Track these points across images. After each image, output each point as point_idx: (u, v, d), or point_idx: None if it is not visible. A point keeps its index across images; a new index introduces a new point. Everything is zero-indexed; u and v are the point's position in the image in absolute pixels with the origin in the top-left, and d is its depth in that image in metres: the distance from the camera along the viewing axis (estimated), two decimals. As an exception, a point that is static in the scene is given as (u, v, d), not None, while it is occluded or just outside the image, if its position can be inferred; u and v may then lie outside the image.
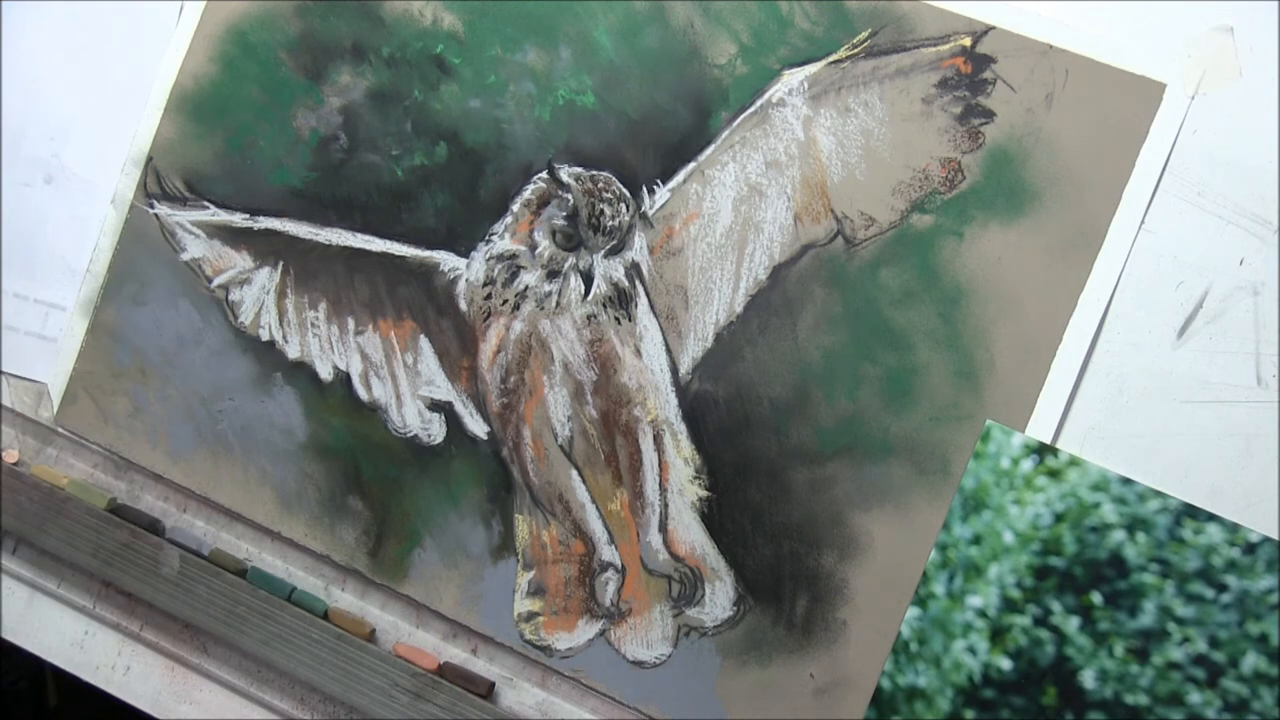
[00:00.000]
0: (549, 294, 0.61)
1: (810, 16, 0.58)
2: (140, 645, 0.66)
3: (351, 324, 0.64)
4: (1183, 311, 0.53)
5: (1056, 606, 0.53)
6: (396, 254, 0.63)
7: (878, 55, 0.57)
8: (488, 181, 0.62)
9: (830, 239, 0.57)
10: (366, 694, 0.61)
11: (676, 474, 0.59)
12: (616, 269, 0.60)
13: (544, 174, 0.61)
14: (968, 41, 0.56)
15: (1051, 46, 0.54)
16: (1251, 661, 0.50)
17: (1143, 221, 0.53)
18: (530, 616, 0.61)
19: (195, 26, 0.66)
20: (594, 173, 0.60)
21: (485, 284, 0.62)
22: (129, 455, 0.67)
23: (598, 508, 0.60)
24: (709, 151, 0.59)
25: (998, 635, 0.53)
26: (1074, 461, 0.53)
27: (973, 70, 0.55)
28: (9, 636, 0.68)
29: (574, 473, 0.61)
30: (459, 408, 0.62)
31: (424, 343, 0.63)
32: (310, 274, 0.64)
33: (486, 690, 0.61)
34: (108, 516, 0.65)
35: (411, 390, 0.63)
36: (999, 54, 0.55)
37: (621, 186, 0.60)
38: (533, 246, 0.61)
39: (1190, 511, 0.52)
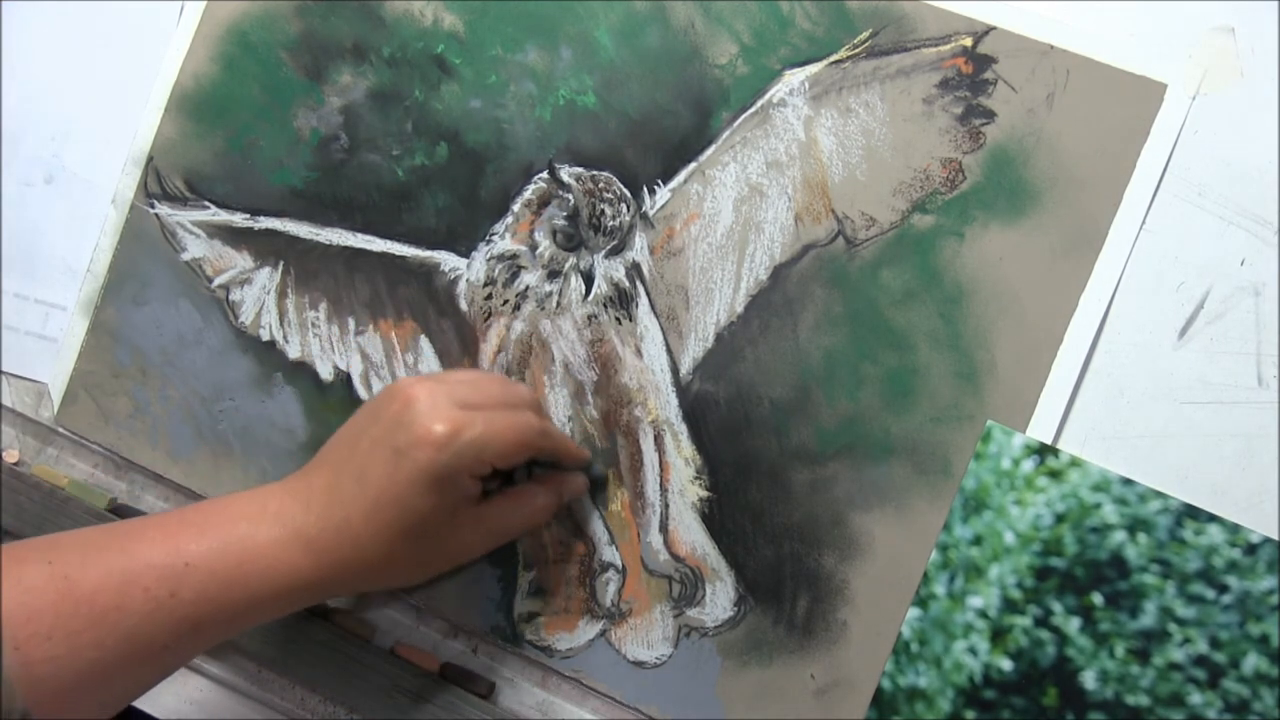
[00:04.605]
0: (550, 294, 0.61)
1: (811, 17, 0.58)
2: (140, 645, 0.66)
3: (352, 324, 0.64)
4: (1184, 312, 0.53)
5: (1057, 607, 0.53)
6: (397, 254, 0.63)
7: (879, 55, 0.57)
8: (488, 181, 0.62)
9: (831, 239, 0.57)
10: (366, 694, 0.60)
11: (677, 474, 0.59)
12: (617, 269, 0.60)
13: (544, 174, 0.61)
14: (969, 42, 0.56)
15: (1053, 47, 0.54)
16: (1252, 662, 0.50)
17: (1144, 222, 0.53)
18: (531, 617, 0.61)
19: (195, 26, 0.66)
20: (594, 173, 0.60)
21: (486, 284, 0.62)
22: (129, 455, 0.67)
23: (598, 508, 0.60)
24: (710, 152, 0.59)
25: (998, 636, 0.53)
26: (1075, 462, 0.53)
27: (974, 70, 0.55)
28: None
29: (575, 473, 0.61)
30: (459, 408, 0.62)
31: (424, 343, 0.63)
32: (311, 274, 0.64)
33: (487, 690, 0.61)
34: (108, 516, 0.65)
35: (412, 390, 0.63)
36: (1000, 54, 0.55)
37: (622, 186, 0.60)
38: (533, 246, 0.61)
39: (1191, 512, 0.52)
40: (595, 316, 0.60)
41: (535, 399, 0.57)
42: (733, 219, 0.59)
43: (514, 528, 0.56)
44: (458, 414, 0.51)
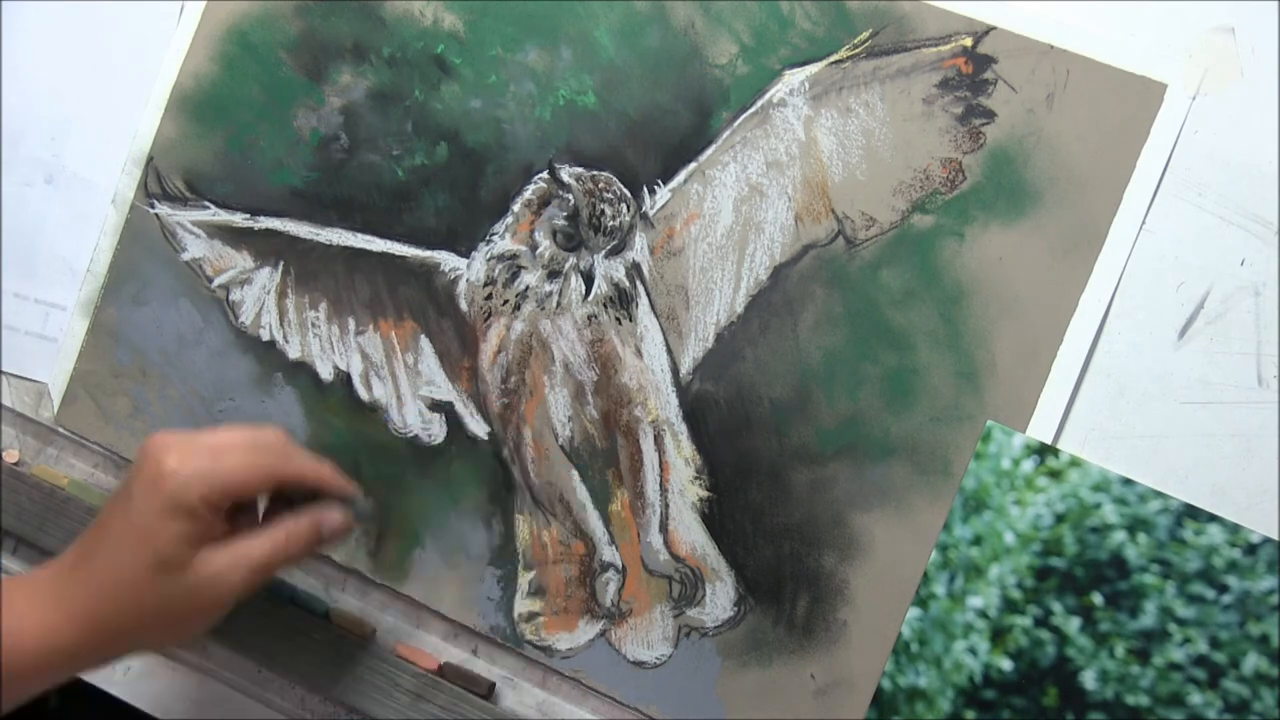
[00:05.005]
0: (550, 294, 0.61)
1: (811, 17, 0.58)
2: (140, 645, 0.66)
3: (352, 324, 0.64)
4: (1184, 312, 0.53)
5: (1057, 607, 0.53)
6: (397, 254, 0.63)
7: (879, 55, 0.57)
8: (488, 181, 0.62)
9: (831, 239, 0.57)
10: (366, 694, 0.61)
11: (677, 474, 0.59)
12: (617, 269, 0.60)
13: (545, 174, 0.61)
14: (969, 42, 0.56)
15: (1053, 47, 0.54)
16: (1252, 662, 0.50)
17: (1144, 222, 0.53)
18: (531, 617, 0.61)
19: (195, 26, 0.66)
20: (595, 173, 0.60)
21: (486, 284, 0.62)
22: (129, 455, 0.67)
23: (598, 508, 0.60)
24: (710, 152, 0.59)
25: (998, 636, 0.53)
26: (1075, 462, 0.53)
27: (974, 70, 0.55)
28: (9, 636, 0.68)
29: (574, 473, 0.61)
30: (459, 408, 0.62)
31: (424, 343, 0.63)
32: (311, 274, 0.64)
33: (487, 690, 0.61)
34: (108, 516, 0.65)
35: (412, 390, 0.63)
36: (1000, 54, 0.55)
37: (622, 187, 0.60)
38: (533, 246, 0.61)
39: (1191, 512, 0.52)
40: (595, 316, 0.60)
41: (284, 437, 0.56)
42: (733, 219, 0.59)
43: (266, 559, 0.54)
44: (188, 447, 0.52)
